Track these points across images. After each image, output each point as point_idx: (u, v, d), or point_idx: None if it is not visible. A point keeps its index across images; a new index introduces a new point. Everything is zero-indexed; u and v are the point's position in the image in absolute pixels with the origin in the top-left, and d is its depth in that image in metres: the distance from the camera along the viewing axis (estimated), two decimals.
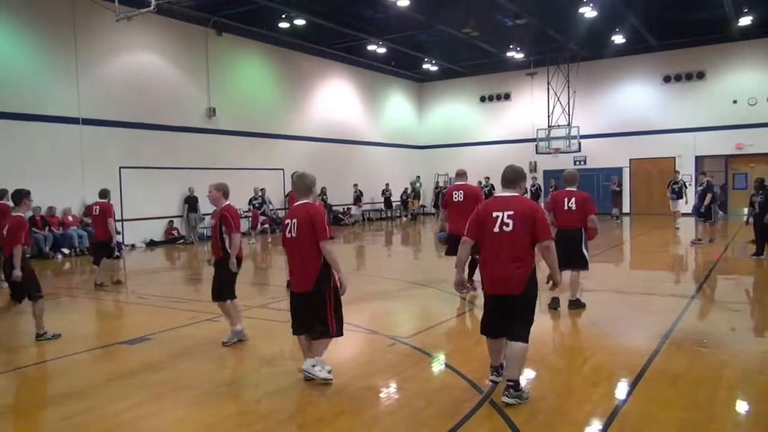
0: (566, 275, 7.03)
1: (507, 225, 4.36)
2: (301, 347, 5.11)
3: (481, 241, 4.53)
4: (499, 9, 19.99)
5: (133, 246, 17.78)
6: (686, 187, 18.99)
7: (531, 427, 4.05)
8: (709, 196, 14.50)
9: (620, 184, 24.56)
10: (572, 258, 7.24)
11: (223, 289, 6.25)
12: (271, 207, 21.11)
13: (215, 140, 20.43)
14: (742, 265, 11.56)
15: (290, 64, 23.83)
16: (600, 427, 4.10)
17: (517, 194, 4.53)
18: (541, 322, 6.82)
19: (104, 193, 11.08)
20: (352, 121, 27.37)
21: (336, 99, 26.32)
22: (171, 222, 18.93)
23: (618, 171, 26.45)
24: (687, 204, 19.01)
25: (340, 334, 5.00)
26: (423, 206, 30.56)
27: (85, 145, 16.64)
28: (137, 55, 18.24)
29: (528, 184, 22.57)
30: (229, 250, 6.17)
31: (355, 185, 26.06)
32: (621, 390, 4.80)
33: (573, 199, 7.33)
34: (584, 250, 7.38)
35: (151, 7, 14.32)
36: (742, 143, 23.88)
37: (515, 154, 27.89)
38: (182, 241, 18.86)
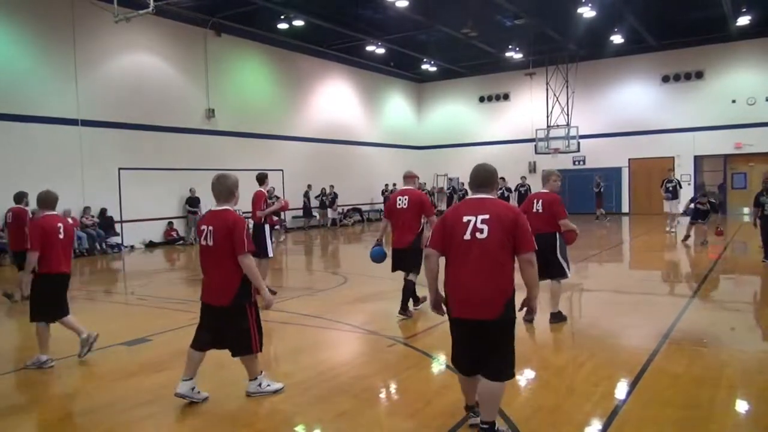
0: (545, 285, 6.52)
1: (480, 231, 3.57)
2: (189, 362, 4.57)
3: (447, 251, 3.73)
4: (498, 9, 20.00)
5: (132, 247, 17.77)
6: (680, 187, 18.31)
7: (531, 426, 4.05)
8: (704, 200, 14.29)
9: (601, 184, 23.68)
10: (547, 266, 6.55)
11: None
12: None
13: (214, 141, 20.42)
14: (742, 265, 11.56)
15: (289, 64, 23.83)
16: (600, 426, 4.10)
17: (492, 197, 3.80)
18: (541, 322, 6.83)
19: (19, 198, 9.44)
20: (352, 121, 27.38)
21: (335, 100, 26.32)
22: (170, 223, 18.92)
23: (617, 171, 26.47)
24: (681, 204, 18.04)
25: (260, 349, 4.66)
26: None
27: (83, 147, 16.63)
28: (136, 56, 18.24)
29: (513, 184, 22.14)
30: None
31: (331, 186, 24.26)
32: (621, 390, 4.80)
33: (540, 202, 6.75)
34: (559, 257, 6.70)
35: (150, 9, 14.31)
36: (741, 143, 23.89)
37: (514, 155, 28.06)
38: (182, 242, 18.85)
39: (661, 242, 15.97)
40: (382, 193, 26.74)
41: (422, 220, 7.26)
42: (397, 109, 30.82)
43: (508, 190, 20.92)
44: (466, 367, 3.78)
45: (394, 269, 7.45)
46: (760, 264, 11.02)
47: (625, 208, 26.64)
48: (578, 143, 25.05)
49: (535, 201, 6.81)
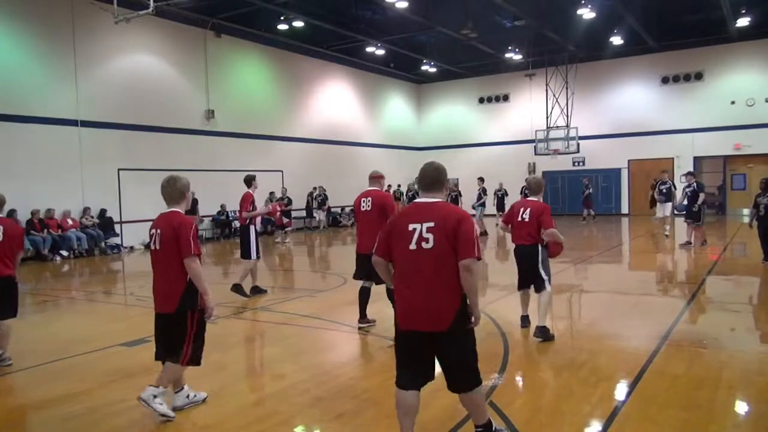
0: (533, 297, 6.57)
1: (426, 241, 3.38)
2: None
3: (394, 260, 3.55)
4: (498, 10, 20.03)
5: (131, 248, 17.77)
6: (675, 188, 16.89)
7: (531, 427, 4.05)
8: (702, 197, 14.04)
9: (589, 186, 23.80)
10: (528, 278, 6.40)
11: None
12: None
13: (214, 142, 20.43)
14: (741, 266, 11.56)
15: (289, 65, 23.84)
16: (600, 428, 4.10)
17: (439, 200, 3.55)
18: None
19: None
20: (351, 122, 27.39)
21: (335, 100, 26.34)
22: None
23: (617, 172, 26.49)
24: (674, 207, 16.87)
25: (195, 363, 4.37)
26: None
27: (83, 147, 16.64)
28: (136, 57, 18.25)
29: (491, 188, 21.58)
30: None
31: (320, 187, 23.46)
32: (620, 391, 4.80)
33: (528, 210, 6.28)
34: (541, 270, 6.24)
35: (150, 9, 14.33)
36: (741, 144, 23.93)
37: (514, 156, 28.12)
38: None
39: (660, 243, 15.98)
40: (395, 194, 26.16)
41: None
42: (397, 110, 30.83)
43: (485, 191, 20.09)
44: (408, 381, 3.50)
45: (356, 277, 6.78)
46: (759, 265, 11.01)
47: (625, 209, 26.65)
48: (578, 144, 25.08)
49: (522, 209, 6.35)
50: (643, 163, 25.88)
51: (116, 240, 17.41)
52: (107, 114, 17.30)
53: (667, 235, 16.44)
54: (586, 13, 19.30)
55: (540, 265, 6.22)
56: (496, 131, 29.55)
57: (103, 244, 16.76)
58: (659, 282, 10.70)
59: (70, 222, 16.11)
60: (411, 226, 3.44)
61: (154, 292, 4.46)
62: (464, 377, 3.50)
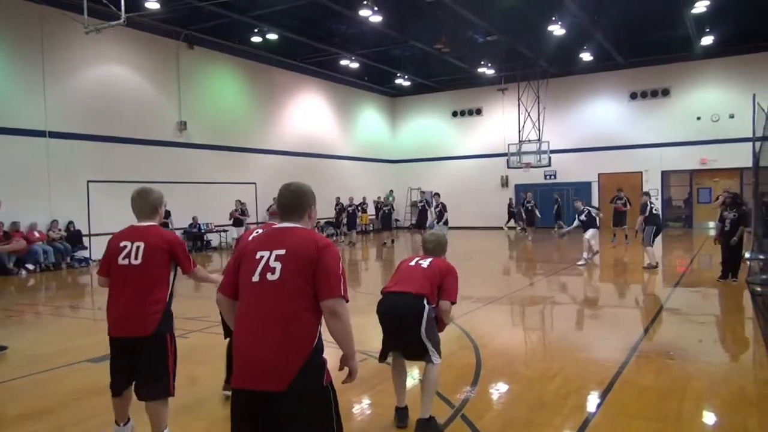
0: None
1: (272, 271, 2.67)
2: (115, 409, 4.03)
3: (239, 296, 2.79)
4: (470, 26, 20.30)
5: (100, 261, 17.41)
6: (598, 211, 15.76)
7: None
8: (640, 219, 13.20)
9: (532, 200, 24.19)
10: (408, 343, 4.32)
11: None
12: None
13: (187, 154, 20.22)
14: (708, 279, 11.81)
15: (263, 77, 23.79)
16: None
17: (299, 226, 2.84)
18: (512, 335, 6.88)
19: None
20: (326, 135, 27.40)
21: (309, 113, 26.34)
22: None
23: (587, 185, 26.91)
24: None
25: (173, 392, 3.94)
26: (397, 220, 30.78)
27: (51, 159, 16.32)
28: (107, 67, 18.02)
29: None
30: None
31: (238, 201, 21.20)
32: (591, 402, 4.86)
33: (430, 261, 4.50)
34: (424, 337, 4.19)
35: (122, 20, 14.18)
36: (706, 158, 24.56)
37: (487, 169, 28.44)
38: None
39: (629, 256, 16.24)
40: (335, 208, 24.39)
41: None
42: (371, 123, 30.95)
43: (445, 207, 18.67)
44: None
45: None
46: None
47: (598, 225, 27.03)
48: (549, 158, 25.45)
49: (420, 259, 4.57)
50: (612, 176, 26.35)
51: (84, 253, 17.06)
52: (77, 125, 17.01)
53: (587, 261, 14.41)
54: (557, 30, 19.69)
55: (423, 327, 4.16)
56: (469, 144, 29.86)
57: (69, 258, 16.40)
58: (628, 294, 10.87)
59: (36, 235, 15.73)
60: (259, 254, 2.74)
61: (114, 312, 3.91)
62: None
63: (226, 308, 2.91)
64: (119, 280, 3.93)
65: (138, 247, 3.89)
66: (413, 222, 30.47)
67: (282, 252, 2.70)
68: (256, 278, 2.69)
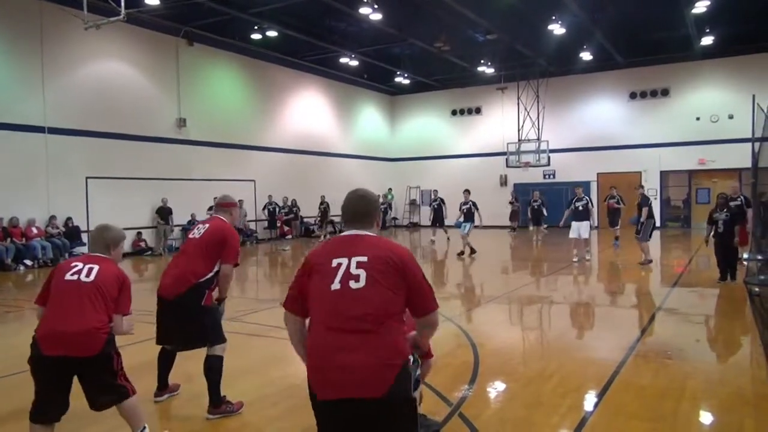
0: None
1: (356, 279, 2.61)
2: None
3: (310, 308, 2.72)
4: (470, 24, 20.29)
5: None
6: (592, 206, 15.15)
7: None
8: (645, 211, 13.00)
9: (517, 200, 24.81)
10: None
11: None
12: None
13: (186, 151, 20.21)
14: (706, 279, 11.81)
15: (262, 75, 23.77)
16: None
17: (370, 233, 2.81)
18: (510, 334, 6.89)
19: None
20: (325, 132, 27.38)
21: (308, 111, 26.32)
22: (139, 233, 18.61)
23: (586, 185, 26.89)
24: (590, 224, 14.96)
25: (135, 390, 3.90)
26: (395, 218, 30.92)
27: (50, 155, 16.30)
28: (106, 63, 17.99)
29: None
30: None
31: (270, 196, 22.79)
32: (588, 402, 4.86)
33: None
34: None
35: (121, 16, 14.13)
36: (705, 159, 24.58)
37: (486, 168, 28.42)
38: (150, 252, 18.56)
39: (627, 255, 16.24)
40: (319, 207, 23.99)
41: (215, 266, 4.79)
42: (370, 121, 30.94)
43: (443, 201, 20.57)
44: None
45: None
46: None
47: (594, 222, 27.03)
48: (548, 157, 25.45)
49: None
50: (611, 176, 26.34)
51: (83, 249, 17.02)
52: (76, 121, 16.98)
53: (581, 259, 14.56)
54: (557, 29, 19.70)
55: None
56: (468, 143, 29.85)
57: (67, 254, 16.37)
58: (626, 293, 10.87)
59: (34, 230, 15.72)
60: (336, 261, 2.67)
61: (51, 328, 3.62)
62: None
63: (292, 328, 2.87)
64: (65, 293, 3.72)
65: (91, 269, 3.78)
66: (411, 221, 30.59)
67: (363, 259, 2.64)
68: (336, 286, 2.61)
